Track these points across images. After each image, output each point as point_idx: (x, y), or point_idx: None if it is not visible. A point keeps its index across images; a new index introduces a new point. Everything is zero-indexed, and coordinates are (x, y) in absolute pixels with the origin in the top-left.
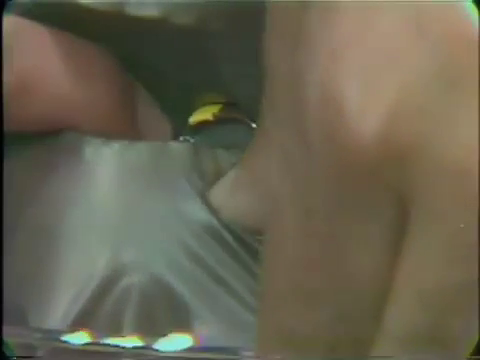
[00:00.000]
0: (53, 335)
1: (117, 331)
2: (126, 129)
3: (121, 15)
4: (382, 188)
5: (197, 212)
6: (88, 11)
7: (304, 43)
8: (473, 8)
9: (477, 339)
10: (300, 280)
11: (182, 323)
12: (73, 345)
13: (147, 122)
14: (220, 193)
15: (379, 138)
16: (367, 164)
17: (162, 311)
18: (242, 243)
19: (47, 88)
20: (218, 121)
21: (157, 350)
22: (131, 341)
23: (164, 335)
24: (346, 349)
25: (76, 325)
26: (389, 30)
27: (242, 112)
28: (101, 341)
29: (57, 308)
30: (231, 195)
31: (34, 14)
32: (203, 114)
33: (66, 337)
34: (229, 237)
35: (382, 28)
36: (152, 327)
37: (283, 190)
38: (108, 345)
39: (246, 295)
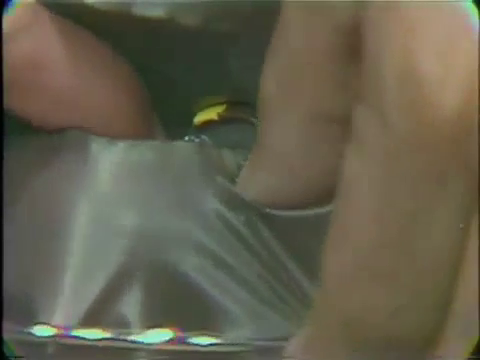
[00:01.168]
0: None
1: (127, 327)
2: (137, 135)
3: (127, 15)
4: (460, 163)
5: (209, 204)
6: (94, 11)
7: (369, 31)
8: (473, 8)
9: (477, 339)
10: (372, 261)
11: (197, 316)
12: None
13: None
14: (241, 178)
15: (459, 109)
16: (447, 137)
17: (176, 305)
18: (256, 233)
19: (57, 75)
20: (223, 121)
21: (135, 342)
22: (98, 334)
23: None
24: (403, 345)
25: (87, 322)
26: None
27: (247, 111)
28: (68, 333)
29: (67, 305)
30: (250, 176)
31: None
32: (208, 114)
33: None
34: (241, 226)
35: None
36: (166, 321)
37: (357, 172)
38: (77, 337)
39: (256, 283)
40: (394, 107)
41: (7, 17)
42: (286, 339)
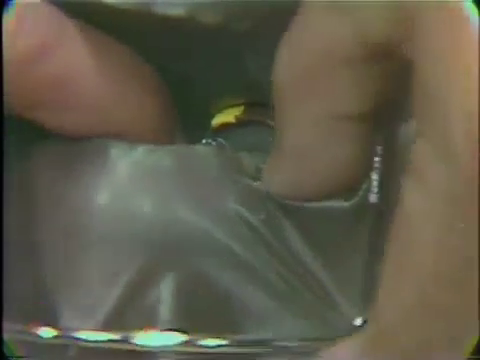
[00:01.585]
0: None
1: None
2: (162, 139)
3: (147, 14)
4: None
5: (228, 205)
6: (113, 10)
7: (421, 58)
8: (473, 8)
9: (477, 339)
10: (432, 297)
11: (222, 317)
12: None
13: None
14: (264, 172)
15: None
16: None
17: (198, 305)
18: (276, 232)
19: (88, 86)
20: (240, 123)
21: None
22: (104, 336)
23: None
24: None
25: (107, 324)
26: None
27: (264, 113)
28: (72, 335)
29: (88, 308)
30: (271, 170)
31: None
32: (225, 116)
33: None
34: (261, 226)
35: None
36: (191, 322)
37: (418, 206)
38: (81, 340)
39: (276, 283)
40: (459, 143)
41: (34, 37)
42: (305, 341)
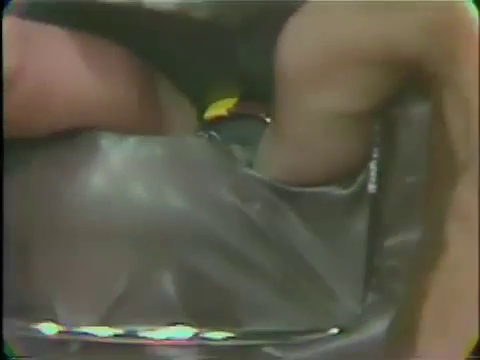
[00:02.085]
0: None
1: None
2: (149, 126)
3: (138, 9)
4: None
5: (223, 197)
6: (104, 5)
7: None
8: (473, 8)
9: (477, 339)
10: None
11: (221, 309)
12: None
13: (171, 112)
14: (258, 158)
15: None
16: None
17: (198, 299)
18: (272, 223)
19: (67, 88)
20: (232, 117)
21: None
22: (108, 330)
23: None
24: None
25: (108, 318)
26: None
27: (257, 107)
28: (75, 330)
29: (87, 305)
30: (267, 155)
31: (46, 11)
32: (218, 109)
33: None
34: (256, 216)
35: None
36: (190, 315)
37: (464, 249)
38: (86, 334)
39: (274, 275)
40: None
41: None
42: (305, 332)
